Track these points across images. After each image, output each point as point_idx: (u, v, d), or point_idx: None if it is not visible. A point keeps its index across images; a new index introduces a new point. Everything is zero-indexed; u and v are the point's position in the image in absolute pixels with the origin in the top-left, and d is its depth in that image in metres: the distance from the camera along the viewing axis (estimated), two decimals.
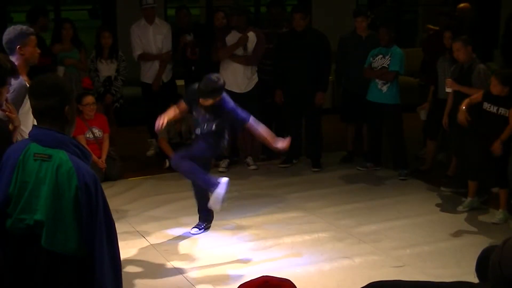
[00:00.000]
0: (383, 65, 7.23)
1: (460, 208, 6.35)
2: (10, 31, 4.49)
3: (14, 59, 4.32)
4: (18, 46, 4.41)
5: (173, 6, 8.33)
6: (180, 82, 8.46)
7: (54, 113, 2.91)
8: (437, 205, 6.54)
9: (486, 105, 6.02)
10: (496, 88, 5.91)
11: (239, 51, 7.42)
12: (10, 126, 3.91)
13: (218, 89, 5.41)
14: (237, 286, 2.22)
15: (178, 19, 8.24)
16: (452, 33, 6.93)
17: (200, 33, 8.05)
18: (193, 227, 5.86)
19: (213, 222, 5.98)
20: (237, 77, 7.41)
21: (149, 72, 7.98)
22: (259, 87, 7.62)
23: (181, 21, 8.17)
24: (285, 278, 2.29)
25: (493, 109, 5.96)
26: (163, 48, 7.95)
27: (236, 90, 7.36)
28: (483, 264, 2.17)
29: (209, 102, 5.43)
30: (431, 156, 7.58)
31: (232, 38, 7.42)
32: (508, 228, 5.90)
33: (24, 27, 4.59)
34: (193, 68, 7.97)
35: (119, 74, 7.84)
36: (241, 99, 7.43)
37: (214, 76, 5.51)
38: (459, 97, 6.44)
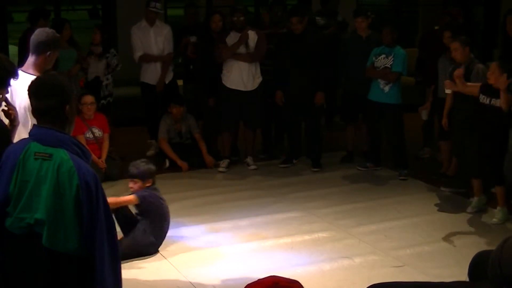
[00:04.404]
0: (385, 65, 7.21)
1: (469, 209, 6.25)
2: (48, 33, 4.38)
3: (35, 58, 4.31)
4: (49, 53, 4.33)
5: (174, 6, 8.28)
6: (179, 82, 8.45)
7: (55, 112, 2.92)
8: (437, 205, 6.53)
9: (481, 98, 5.95)
10: (493, 74, 5.79)
11: (242, 50, 7.42)
12: (9, 125, 3.91)
13: None
14: (244, 286, 2.21)
15: (187, 17, 8.17)
16: (452, 33, 6.92)
17: (200, 33, 8.02)
18: None
19: (212, 222, 6.00)
20: (242, 75, 7.40)
21: (149, 73, 7.95)
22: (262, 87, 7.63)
23: (190, 19, 8.12)
24: (294, 279, 2.29)
25: (487, 100, 5.89)
26: (164, 49, 7.94)
27: (242, 88, 7.40)
28: (476, 268, 2.17)
29: None
30: (447, 157, 7.26)
31: (231, 38, 7.40)
32: (508, 228, 5.90)
33: (53, 32, 4.46)
34: (191, 67, 7.95)
35: (108, 70, 7.80)
36: (246, 98, 7.46)
37: None
38: (458, 97, 6.44)
